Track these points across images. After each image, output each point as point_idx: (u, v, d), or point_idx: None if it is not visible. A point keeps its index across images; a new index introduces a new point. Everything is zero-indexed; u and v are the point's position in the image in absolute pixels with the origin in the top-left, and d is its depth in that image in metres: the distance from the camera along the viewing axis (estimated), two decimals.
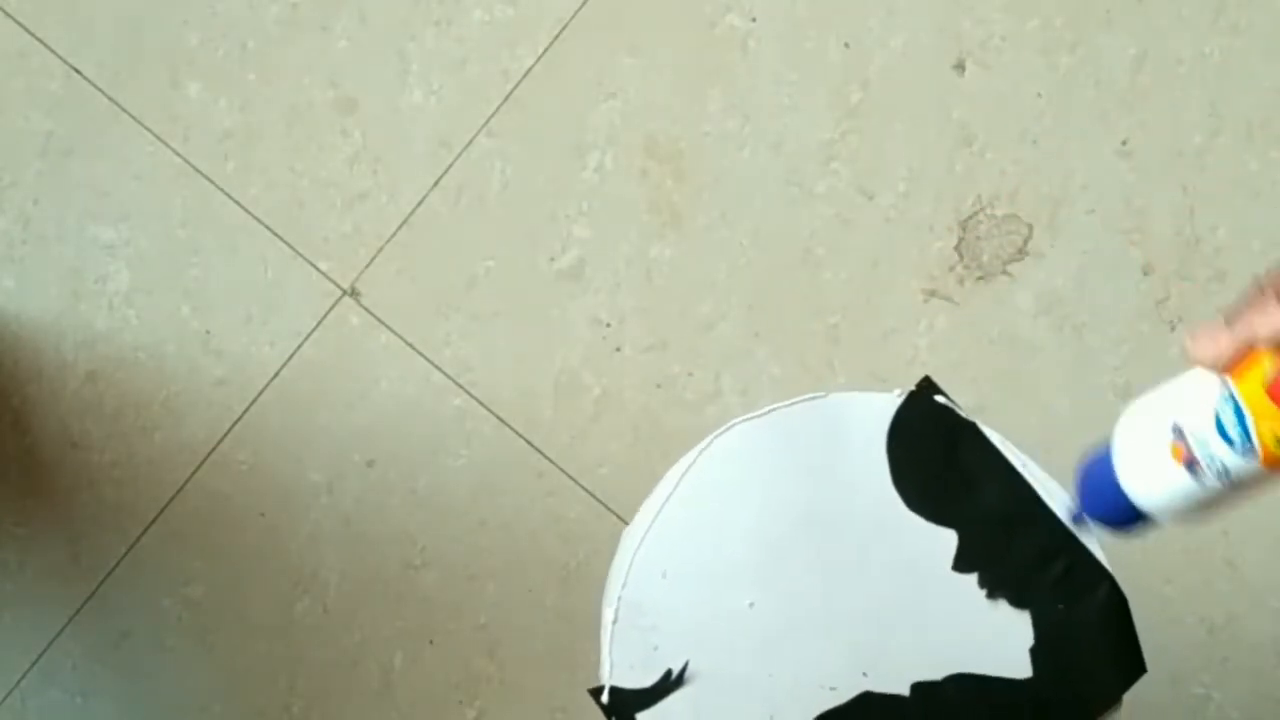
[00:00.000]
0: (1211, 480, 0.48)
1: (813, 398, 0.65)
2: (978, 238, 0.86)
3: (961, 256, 0.86)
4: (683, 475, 0.65)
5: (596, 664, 0.84)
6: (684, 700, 0.62)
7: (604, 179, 0.87)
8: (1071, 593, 0.61)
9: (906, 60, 0.86)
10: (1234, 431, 0.47)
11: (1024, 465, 0.64)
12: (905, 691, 0.61)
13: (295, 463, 0.87)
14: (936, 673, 0.62)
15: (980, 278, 0.88)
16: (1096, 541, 0.61)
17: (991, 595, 0.63)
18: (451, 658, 0.86)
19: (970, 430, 0.64)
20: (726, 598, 0.62)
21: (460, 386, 0.87)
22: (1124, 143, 0.86)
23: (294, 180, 0.88)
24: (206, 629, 0.87)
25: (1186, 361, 0.47)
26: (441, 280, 0.87)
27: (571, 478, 0.85)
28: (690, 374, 0.85)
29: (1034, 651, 0.62)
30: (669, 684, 0.63)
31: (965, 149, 0.84)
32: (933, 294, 0.86)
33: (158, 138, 0.88)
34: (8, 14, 0.89)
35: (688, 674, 0.62)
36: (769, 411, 0.65)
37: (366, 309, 0.88)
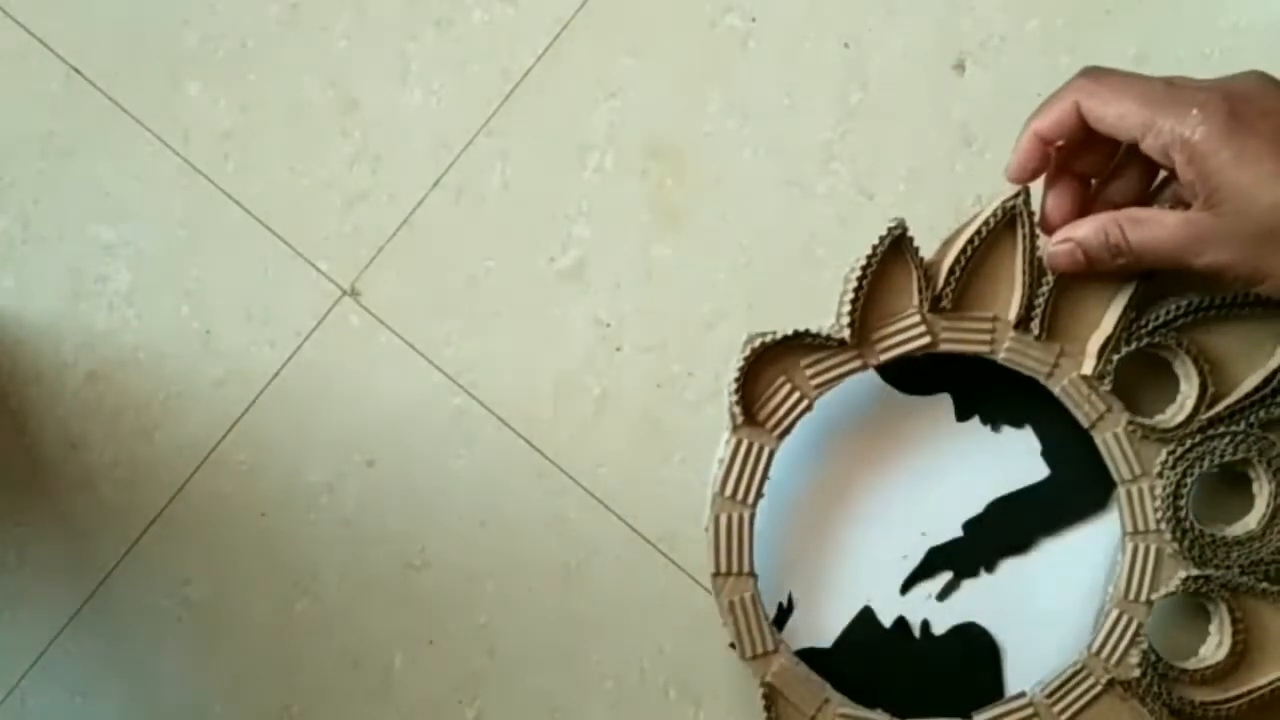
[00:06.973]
0: None
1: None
2: None
3: None
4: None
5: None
6: (797, 622, 0.74)
7: (604, 179, 0.87)
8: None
9: (906, 60, 0.86)
10: None
11: None
12: (959, 533, 0.73)
13: (295, 463, 0.87)
14: (978, 508, 0.74)
15: None
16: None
17: (995, 427, 0.74)
18: (451, 658, 0.86)
19: None
20: (813, 548, 0.75)
21: (460, 386, 0.87)
22: None
23: (294, 180, 0.88)
24: (206, 629, 0.87)
25: None
26: (441, 280, 0.87)
27: (571, 478, 0.85)
28: (690, 374, 0.85)
29: (1044, 453, 0.73)
30: (782, 614, 0.75)
31: (965, 149, 0.84)
32: None
33: (158, 138, 0.89)
34: (8, 14, 0.89)
35: (794, 602, 0.74)
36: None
37: (366, 309, 0.88)
